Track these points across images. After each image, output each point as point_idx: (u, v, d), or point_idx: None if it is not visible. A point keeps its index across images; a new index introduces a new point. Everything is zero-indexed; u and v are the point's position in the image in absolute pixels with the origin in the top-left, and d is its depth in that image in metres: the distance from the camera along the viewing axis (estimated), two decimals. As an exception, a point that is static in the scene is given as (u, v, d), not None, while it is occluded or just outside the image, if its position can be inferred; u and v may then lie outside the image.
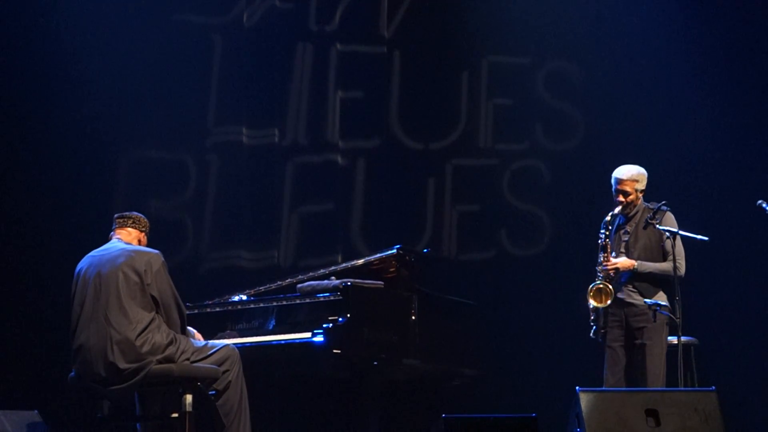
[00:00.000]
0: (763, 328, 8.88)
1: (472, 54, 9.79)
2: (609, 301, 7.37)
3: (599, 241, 7.46)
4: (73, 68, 9.01)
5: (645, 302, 7.37)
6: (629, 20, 9.50)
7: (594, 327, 7.50)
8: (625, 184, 7.48)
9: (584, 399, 6.34)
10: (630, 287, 7.47)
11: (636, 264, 7.41)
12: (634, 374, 7.45)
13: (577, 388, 6.40)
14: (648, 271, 7.41)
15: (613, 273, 7.41)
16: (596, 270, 7.47)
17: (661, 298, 7.41)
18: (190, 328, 6.79)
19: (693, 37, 9.37)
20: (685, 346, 7.65)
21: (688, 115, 9.34)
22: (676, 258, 7.38)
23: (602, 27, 9.55)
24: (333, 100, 9.63)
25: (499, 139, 9.78)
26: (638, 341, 7.41)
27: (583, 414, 6.29)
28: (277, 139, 9.54)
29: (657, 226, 7.40)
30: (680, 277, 7.37)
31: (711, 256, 8.31)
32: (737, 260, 8.99)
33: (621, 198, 7.48)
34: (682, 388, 7.24)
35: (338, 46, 9.65)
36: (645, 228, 7.46)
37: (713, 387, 6.51)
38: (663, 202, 7.45)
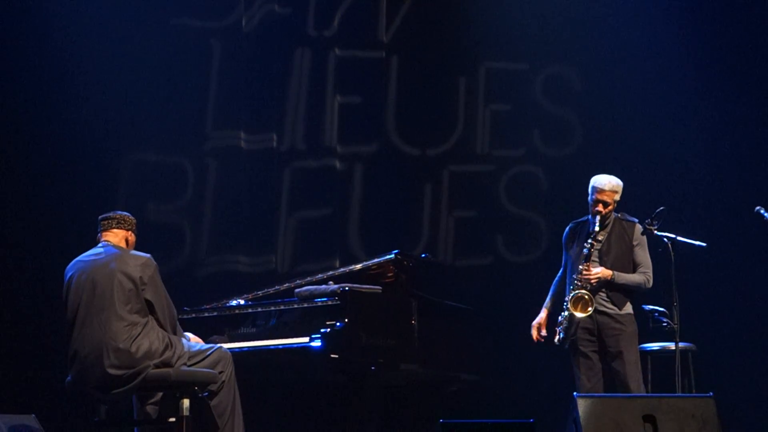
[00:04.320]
0: (760, 334, 8.89)
1: (469, 59, 9.79)
2: (591, 310, 7.36)
3: (584, 250, 7.43)
4: (72, 72, 9.02)
5: (643, 308, 7.38)
6: (627, 26, 9.51)
7: (562, 334, 7.48)
8: (606, 195, 7.46)
9: (582, 404, 6.33)
10: (603, 296, 7.47)
11: (613, 275, 7.41)
12: (613, 383, 7.44)
13: (574, 393, 6.40)
14: (623, 282, 7.42)
15: (594, 282, 7.41)
16: (574, 278, 7.46)
17: (629, 309, 7.43)
18: (188, 333, 6.80)
19: (691, 43, 9.38)
20: (683, 352, 7.67)
21: (686, 121, 9.34)
22: (645, 270, 7.42)
23: (600, 33, 9.55)
24: (331, 105, 9.64)
25: (496, 145, 9.78)
26: (613, 349, 7.41)
27: (581, 419, 6.28)
28: (275, 144, 9.55)
29: (656, 232, 7.40)
30: (648, 289, 7.42)
31: (709, 262, 8.32)
32: (735, 266, 8.99)
33: (600, 207, 7.46)
34: (680, 394, 7.25)
35: (336, 51, 9.65)
36: (643, 234, 7.47)
37: (711, 393, 6.50)
38: (661, 208, 7.45)
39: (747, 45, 9.38)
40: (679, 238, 7.43)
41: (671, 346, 7.48)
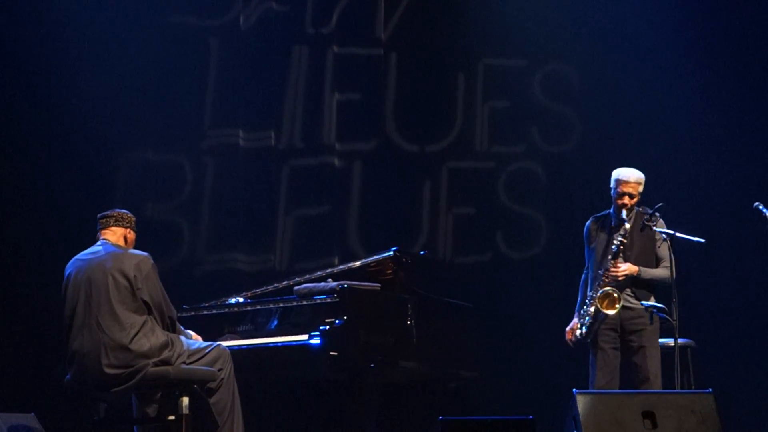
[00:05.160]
0: (759, 329, 8.88)
1: (468, 56, 9.79)
2: (618, 307, 7.33)
3: (612, 247, 7.38)
4: (70, 70, 9.01)
5: (642, 304, 7.35)
6: (625, 22, 9.50)
7: (585, 329, 7.46)
8: (631, 187, 7.41)
9: (581, 401, 6.34)
10: (628, 291, 7.45)
11: (639, 270, 7.39)
12: (631, 376, 7.43)
13: (573, 390, 6.40)
14: (649, 277, 7.40)
15: (622, 279, 7.39)
16: (600, 274, 7.42)
17: (652, 303, 7.41)
18: (190, 331, 6.80)
19: (689, 39, 9.37)
20: (682, 348, 7.66)
21: (685, 117, 9.34)
22: (668, 265, 7.40)
23: (598, 29, 9.55)
24: (329, 102, 9.63)
25: (495, 141, 9.77)
26: (635, 343, 7.39)
27: (580, 416, 6.29)
28: (273, 142, 9.54)
29: (654, 228, 7.38)
30: (671, 283, 7.40)
31: (708, 258, 8.32)
32: (734, 262, 8.99)
33: (626, 200, 7.42)
34: (679, 390, 7.24)
35: (335, 48, 9.65)
36: (642, 230, 7.44)
37: (710, 389, 6.51)
38: (660, 204, 7.44)
39: (745, 40, 9.37)
40: (678, 234, 7.41)
41: (670, 342, 7.46)
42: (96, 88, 9.04)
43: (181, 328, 6.71)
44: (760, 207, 7.40)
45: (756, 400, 8.73)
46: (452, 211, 9.74)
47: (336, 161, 9.59)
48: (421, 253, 8.63)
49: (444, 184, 9.72)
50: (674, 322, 7.27)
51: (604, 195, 8.50)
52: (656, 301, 7.43)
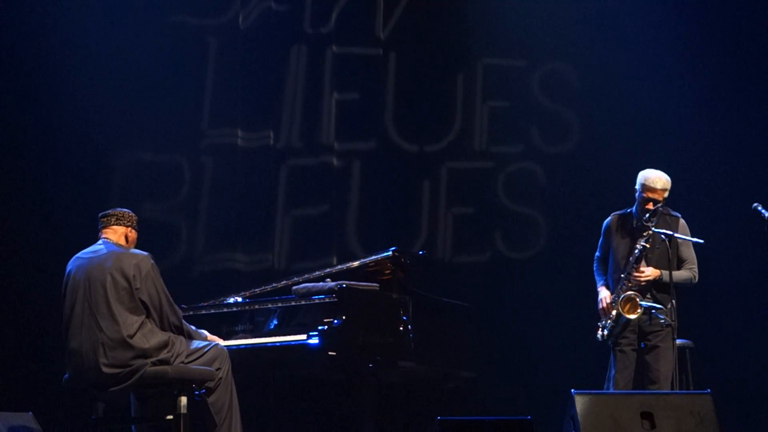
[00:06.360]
0: (758, 330, 8.88)
1: (467, 56, 9.78)
2: (640, 311, 7.32)
3: (636, 252, 7.38)
4: (68, 69, 9.00)
5: (640, 304, 7.34)
6: (624, 22, 9.50)
7: (607, 331, 7.45)
8: (658, 193, 7.37)
9: (579, 401, 6.34)
10: (648, 294, 7.43)
11: (662, 274, 7.37)
12: (642, 375, 7.44)
13: (572, 390, 6.40)
14: (672, 280, 7.37)
15: (645, 283, 7.38)
16: (622, 277, 7.41)
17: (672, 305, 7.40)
18: (203, 330, 6.78)
19: (688, 39, 9.37)
20: (681, 348, 7.66)
21: (683, 117, 9.34)
22: (691, 266, 7.43)
23: (597, 29, 9.55)
24: (328, 102, 9.62)
25: (495, 141, 9.77)
26: (650, 343, 7.40)
27: (579, 416, 6.29)
28: (271, 142, 9.54)
29: (653, 228, 7.36)
30: (695, 284, 7.42)
31: (706, 258, 8.30)
32: (733, 263, 8.98)
33: (650, 206, 7.39)
34: (678, 391, 7.25)
35: (334, 48, 9.64)
36: (640, 230, 7.42)
37: (708, 390, 6.51)
38: (658, 205, 7.42)
39: (745, 40, 9.37)
40: (676, 234, 7.41)
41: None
42: (94, 88, 9.03)
43: (193, 328, 6.68)
44: (759, 208, 7.41)
45: (754, 401, 8.73)
46: (451, 211, 9.74)
47: (335, 161, 9.59)
48: (420, 253, 8.62)
49: (443, 184, 9.72)
50: (673, 323, 7.27)
51: (603, 195, 8.53)
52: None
